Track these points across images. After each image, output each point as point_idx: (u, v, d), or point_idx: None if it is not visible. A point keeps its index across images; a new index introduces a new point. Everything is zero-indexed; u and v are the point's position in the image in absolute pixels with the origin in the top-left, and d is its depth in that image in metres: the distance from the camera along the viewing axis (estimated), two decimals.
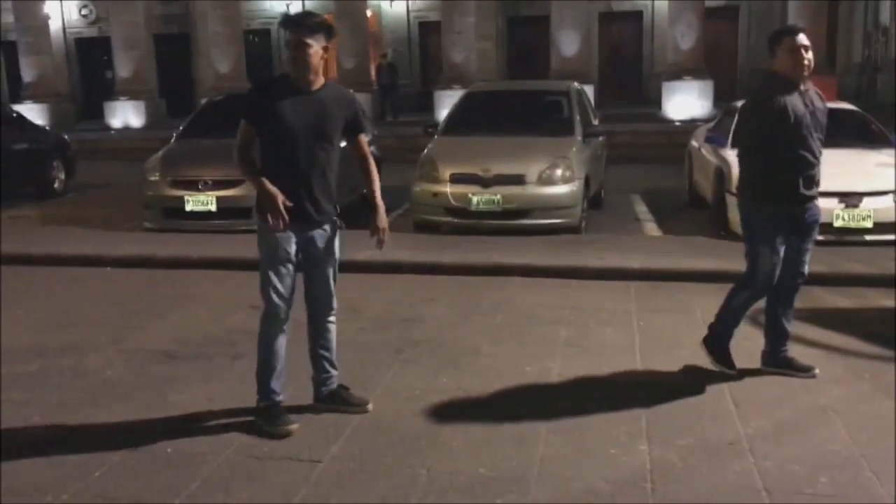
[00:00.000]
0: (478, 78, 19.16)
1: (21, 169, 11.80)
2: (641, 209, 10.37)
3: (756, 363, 4.50)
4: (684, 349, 4.80)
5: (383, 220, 4.00)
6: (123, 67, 22.85)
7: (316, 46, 3.65)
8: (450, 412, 4.03)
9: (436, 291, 6.33)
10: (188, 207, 8.29)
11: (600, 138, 9.81)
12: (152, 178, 8.61)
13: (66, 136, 13.50)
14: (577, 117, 8.91)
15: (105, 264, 7.32)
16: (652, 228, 9.10)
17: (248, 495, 3.24)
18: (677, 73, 19.24)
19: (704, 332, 4.58)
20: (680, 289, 6.16)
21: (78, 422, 3.98)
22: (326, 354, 4.05)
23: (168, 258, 7.26)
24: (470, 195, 7.89)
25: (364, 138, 4.03)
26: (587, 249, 7.18)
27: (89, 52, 27.11)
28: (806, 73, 4.16)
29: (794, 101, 4.12)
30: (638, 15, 24.60)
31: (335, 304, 4.02)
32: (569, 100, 9.13)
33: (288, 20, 3.70)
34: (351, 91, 4.09)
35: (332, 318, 4.03)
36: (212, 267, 7.15)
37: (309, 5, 25.71)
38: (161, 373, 4.68)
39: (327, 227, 3.89)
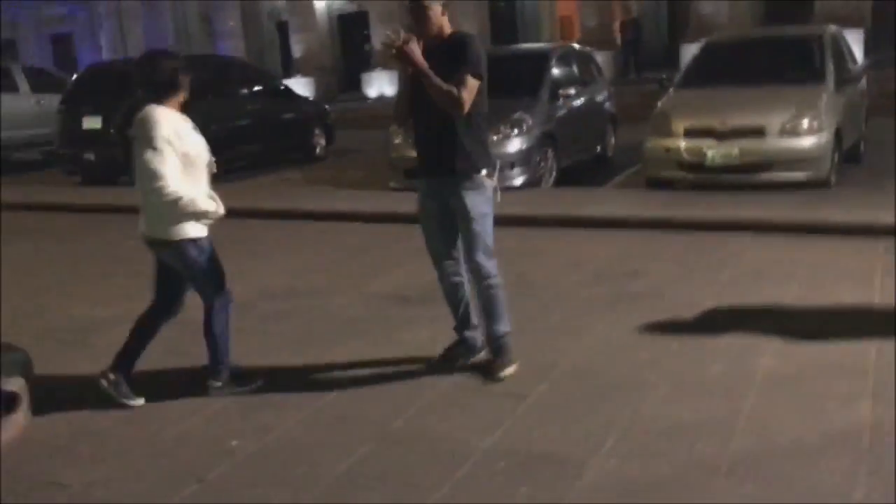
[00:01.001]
0: (730, 29, 18.12)
1: (288, 136, 13.14)
2: None
3: None
4: None
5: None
6: (380, 40, 24.31)
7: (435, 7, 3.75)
8: (661, 362, 4.02)
9: (662, 247, 6.24)
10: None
11: (860, 86, 8.97)
12: (396, 141, 9.21)
13: (326, 106, 14.74)
14: (830, 64, 8.21)
15: (355, 219, 8.02)
16: None
17: (458, 423, 3.51)
18: None
19: None
20: None
21: (319, 353, 4.49)
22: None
23: (407, 214, 7.72)
24: (705, 149, 7.61)
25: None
26: (832, 204, 6.68)
27: (350, 28, 29.12)
28: None
29: None
30: None
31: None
32: (821, 45, 8.42)
33: None
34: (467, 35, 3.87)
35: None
36: None
37: None
38: (394, 314, 5.11)
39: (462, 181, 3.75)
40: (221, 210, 3.83)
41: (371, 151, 13.33)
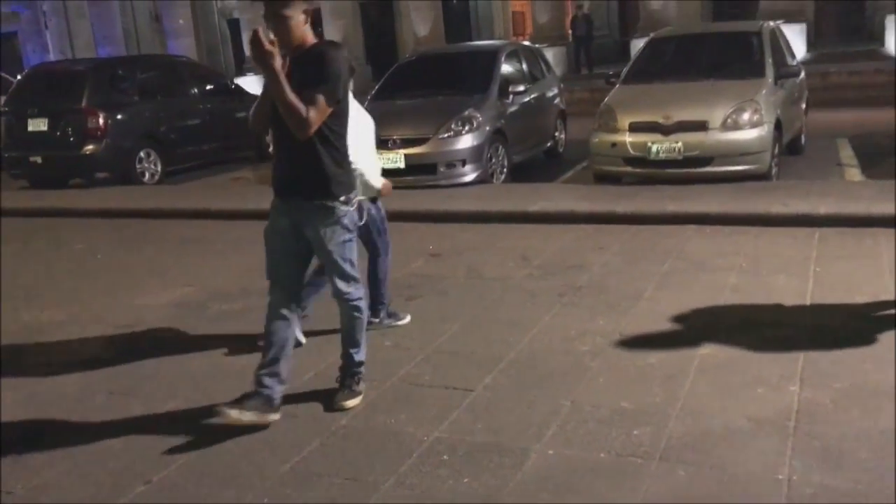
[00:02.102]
0: (678, 25, 18.43)
1: (239, 135, 13.05)
2: (847, 154, 9.68)
3: None
4: (862, 296, 4.57)
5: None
6: (332, 36, 24.23)
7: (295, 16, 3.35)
8: (602, 352, 4.14)
9: (607, 240, 6.38)
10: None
11: (798, 79, 9.24)
12: None
13: None
14: (769, 58, 8.44)
15: None
16: (854, 174, 8.50)
17: (404, 418, 3.58)
18: None
19: (888, 278, 4.33)
20: (869, 235, 5.79)
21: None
22: None
23: None
24: (649, 143, 7.78)
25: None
26: (771, 196, 6.88)
27: None
28: None
29: None
30: None
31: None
32: (760, 41, 8.66)
33: None
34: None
35: None
36: (398, 219, 7.60)
37: None
38: None
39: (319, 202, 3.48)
40: None
41: None
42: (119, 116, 11.00)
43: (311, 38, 3.44)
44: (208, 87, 13.08)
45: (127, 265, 6.79)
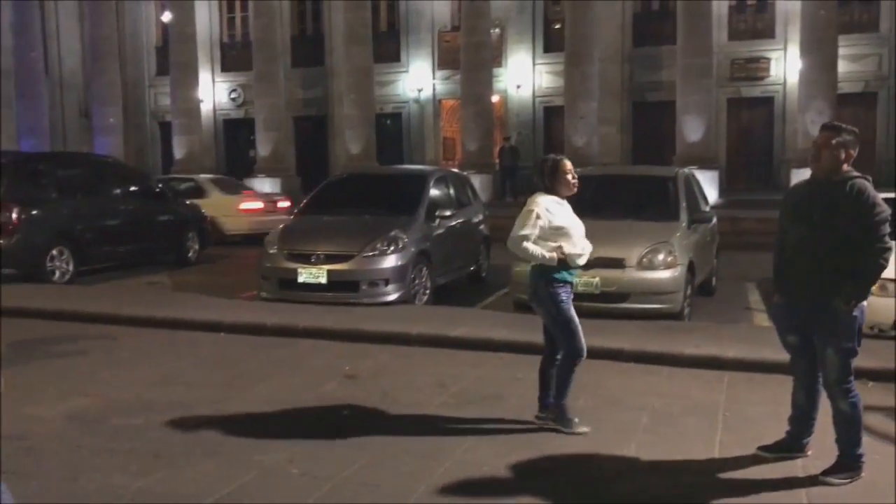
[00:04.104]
0: (599, 162, 19.33)
1: (160, 238, 12.84)
2: (755, 298, 10.08)
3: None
4: (768, 442, 4.63)
5: None
6: (264, 146, 24.51)
7: None
8: (514, 489, 4.06)
9: (525, 370, 6.35)
10: (300, 279, 8.75)
11: (711, 224, 9.67)
12: (271, 251, 9.16)
13: (203, 210, 14.56)
14: (683, 203, 8.86)
15: (220, 330, 7.82)
16: (762, 318, 8.81)
17: None
18: (806, 161, 18.62)
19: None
20: (776, 381, 5.92)
21: (167, 475, 4.27)
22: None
23: (276, 326, 7.68)
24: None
25: None
26: (684, 336, 7.06)
27: (236, 132, 29.20)
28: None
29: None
30: (768, 100, 24.19)
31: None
32: (675, 185, 9.10)
33: None
34: None
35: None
36: (316, 336, 7.50)
37: (439, 91, 26.87)
38: (252, 434, 4.95)
39: None
40: None
41: (246, 257, 13.18)
42: (34, 212, 10.70)
43: None
44: (132, 189, 12.91)
45: (21, 369, 6.42)
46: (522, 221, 4.89)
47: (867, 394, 5.70)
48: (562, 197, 5.02)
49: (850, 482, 4.10)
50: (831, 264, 4.04)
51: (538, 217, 4.85)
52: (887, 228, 4.02)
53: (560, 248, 4.83)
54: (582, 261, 4.96)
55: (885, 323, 7.00)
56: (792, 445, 4.41)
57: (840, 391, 4.14)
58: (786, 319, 4.35)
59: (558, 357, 4.98)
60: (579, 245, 4.94)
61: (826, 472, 4.14)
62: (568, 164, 5.02)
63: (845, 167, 4.09)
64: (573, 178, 5.00)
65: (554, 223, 4.86)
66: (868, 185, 4.07)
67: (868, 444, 4.67)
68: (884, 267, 4.05)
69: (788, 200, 4.36)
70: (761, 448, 4.44)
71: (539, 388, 5.06)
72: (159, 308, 8.56)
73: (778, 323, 4.48)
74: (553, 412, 4.94)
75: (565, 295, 4.92)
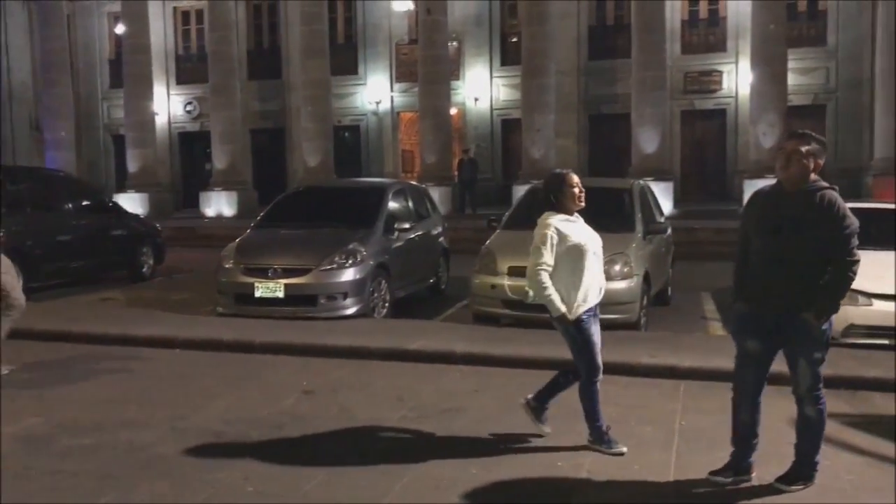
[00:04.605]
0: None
1: (114, 253, 12.61)
2: (710, 307, 10.23)
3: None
4: (723, 451, 4.69)
5: None
6: (220, 160, 24.24)
7: None
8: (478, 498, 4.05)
9: (484, 383, 6.39)
10: (257, 294, 8.65)
11: (666, 235, 9.80)
12: (227, 266, 9.05)
13: (157, 225, 14.35)
14: (639, 214, 8.97)
15: (175, 346, 7.69)
16: (717, 327, 8.95)
17: None
18: (759, 172, 19.07)
19: None
20: (730, 389, 6.02)
21: (118, 497, 4.18)
22: None
23: (232, 342, 7.58)
24: (527, 288, 7.95)
25: None
26: (640, 346, 7.13)
27: (192, 145, 28.85)
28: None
29: None
30: (721, 113, 24.63)
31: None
32: (630, 197, 9.21)
33: None
34: None
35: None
36: (274, 352, 7.43)
37: (397, 103, 26.89)
38: (208, 451, 4.87)
39: None
40: None
41: (201, 272, 13.00)
42: None
43: None
44: (84, 203, 12.67)
45: None
46: (537, 247, 4.85)
47: None
48: (570, 213, 4.94)
49: (804, 488, 4.15)
50: (801, 275, 3.98)
51: (552, 240, 4.82)
52: (856, 241, 3.99)
53: (565, 316, 4.91)
54: (586, 307, 5.00)
55: (835, 331, 7.14)
56: (739, 468, 4.29)
57: (811, 398, 4.13)
58: (749, 326, 4.23)
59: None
60: (594, 269, 5.03)
61: (781, 479, 4.18)
62: (574, 178, 4.92)
63: (813, 176, 4.03)
64: (580, 191, 4.89)
65: (570, 242, 4.84)
66: (838, 196, 4.03)
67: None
68: (853, 279, 4.00)
69: (753, 208, 4.25)
70: (712, 473, 4.30)
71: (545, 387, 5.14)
72: (112, 324, 8.40)
73: (739, 328, 4.34)
74: (591, 435, 4.92)
75: (586, 316, 4.92)
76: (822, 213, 3.96)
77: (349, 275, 8.75)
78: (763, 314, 4.14)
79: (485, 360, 6.97)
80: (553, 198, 4.91)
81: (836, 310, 4.05)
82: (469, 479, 4.36)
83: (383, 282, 9.30)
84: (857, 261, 3.99)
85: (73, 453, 4.83)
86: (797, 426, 4.23)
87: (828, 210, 3.96)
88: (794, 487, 4.14)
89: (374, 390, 6.22)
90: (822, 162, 4.04)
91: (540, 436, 4.99)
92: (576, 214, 4.98)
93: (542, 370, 6.58)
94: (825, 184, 4.06)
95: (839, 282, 3.99)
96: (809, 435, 4.18)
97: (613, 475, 4.44)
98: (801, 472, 4.20)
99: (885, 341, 6.99)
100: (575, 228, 4.90)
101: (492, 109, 26.22)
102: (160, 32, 27.69)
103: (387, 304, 9.34)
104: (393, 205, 10.24)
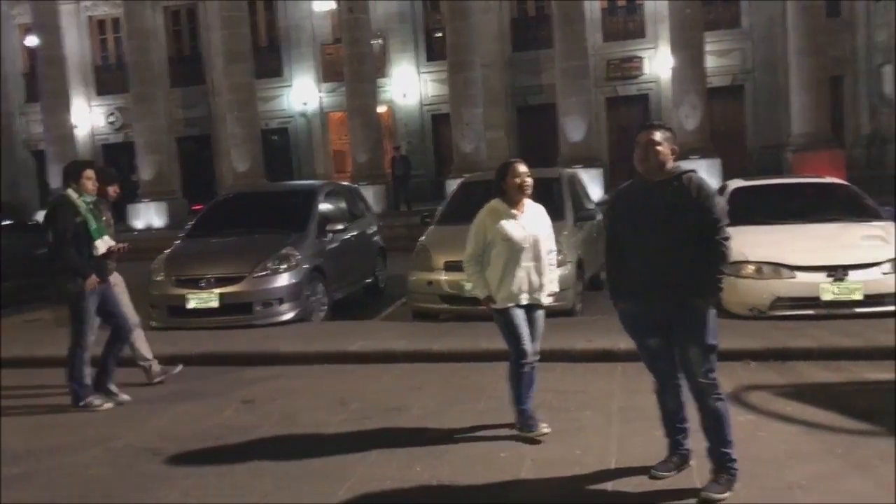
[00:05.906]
0: (488, 166, 19.57)
1: (39, 273, 12.19)
2: None
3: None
4: (661, 430, 4.79)
5: None
6: (147, 170, 23.70)
7: None
8: (416, 501, 4.06)
9: (425, 379, 6.40)
10: (190, 305, 8.50)
11: (596, 221, 9.95)
12: (157, 278, 8.87)
13: None
14: (569, 202, 9.10)
15: None
16: None
17: None
18: (684, 153, 19.49)
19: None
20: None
21: None
22: None
23: (168, 355, 7.41)
24: (462, 282, 8.01)
25: None
26: (576, 332, 7.23)
27: (116, 157, 28.08)
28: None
29: None
30: (644, 98, 25.08)
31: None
32: (559, 185, 9.34)
33: None
34: None
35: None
36: (211, 363, 7.31)
37: (326, 104, 26.66)
38: (145, 470, 4.77)
39: None
40: None
41: (132, 286, 12.65)
42: None
43: None
44: (4, 223, 12.25)
45: None
46: (469, 235, 5.04)
47: (749, 373, 6.03)
48: (515, 202, 4.99)
49: (730, 492, 3.91)
50: (683, 263, 3.92)
51: (479, 229, 4.98)
52: (727, 219, 4.00)
53: (489, 298, 4.99)
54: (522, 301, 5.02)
55: (762, 305, 7.38)
56: (679, 459, 4.24)
57: (707, 386, 3.98)
58: (644, 324, 4.16)
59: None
60: (529, 264, 4.98)
61: (707, 488, 3.95)
62: (518, 168, 4.97)
63: (671, 164, 4.01)
64: (522, 181, 4.94)
65: (501, 235, 4.92)
66: (703, 179, 4.05)
67: (753, 422, 4.94)
68: (729, 257, 4.00)
69: (620, 204, 4.22)
70: (654, 468, 4.22)
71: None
72: (40, 346, 8.14)
73: (635, 328, 4.25)
74: (515, 418, 4.99)
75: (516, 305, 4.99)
76: (692, 198, 3.95)
77: (283, 280, 8.66)
78: (652, 309, 4.07)
79: (425, 356, 6.98)
80: (495, 188, 5.05)
81: (719, 290, 4.01)
82: (413, 475, 4.37)
83: (319, 284, 9.23)
84: (729, 238, 3.97)
85: (7, 483, 4.66)
86: (702, 425, 4.04)
87: (698, 194, 3.96)
88: (719, 496, 3.88)
89: (316, 395, 6.18)
90: (676, 148, 4.02)
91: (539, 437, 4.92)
92: (526, 205, 5.05)
93: (482, 362, 6.66)
94: (686, 168, 4.08)
95: (717, 261, 3.93)
96: (716, 429, 3.99)
97: (555, 463, 4.50)
98: (721, 477, 3.96)
99: (811, 311, 7.23)
100: (512, 224, 4.96)
101: (421, 105, 26.20)
102: (76, 43, 26.87)
103: (325, 307, 9.28)
104: (325, 206, 10.16)
